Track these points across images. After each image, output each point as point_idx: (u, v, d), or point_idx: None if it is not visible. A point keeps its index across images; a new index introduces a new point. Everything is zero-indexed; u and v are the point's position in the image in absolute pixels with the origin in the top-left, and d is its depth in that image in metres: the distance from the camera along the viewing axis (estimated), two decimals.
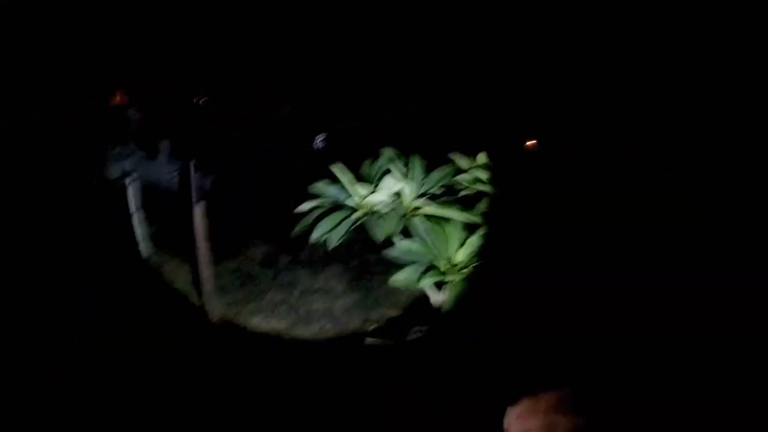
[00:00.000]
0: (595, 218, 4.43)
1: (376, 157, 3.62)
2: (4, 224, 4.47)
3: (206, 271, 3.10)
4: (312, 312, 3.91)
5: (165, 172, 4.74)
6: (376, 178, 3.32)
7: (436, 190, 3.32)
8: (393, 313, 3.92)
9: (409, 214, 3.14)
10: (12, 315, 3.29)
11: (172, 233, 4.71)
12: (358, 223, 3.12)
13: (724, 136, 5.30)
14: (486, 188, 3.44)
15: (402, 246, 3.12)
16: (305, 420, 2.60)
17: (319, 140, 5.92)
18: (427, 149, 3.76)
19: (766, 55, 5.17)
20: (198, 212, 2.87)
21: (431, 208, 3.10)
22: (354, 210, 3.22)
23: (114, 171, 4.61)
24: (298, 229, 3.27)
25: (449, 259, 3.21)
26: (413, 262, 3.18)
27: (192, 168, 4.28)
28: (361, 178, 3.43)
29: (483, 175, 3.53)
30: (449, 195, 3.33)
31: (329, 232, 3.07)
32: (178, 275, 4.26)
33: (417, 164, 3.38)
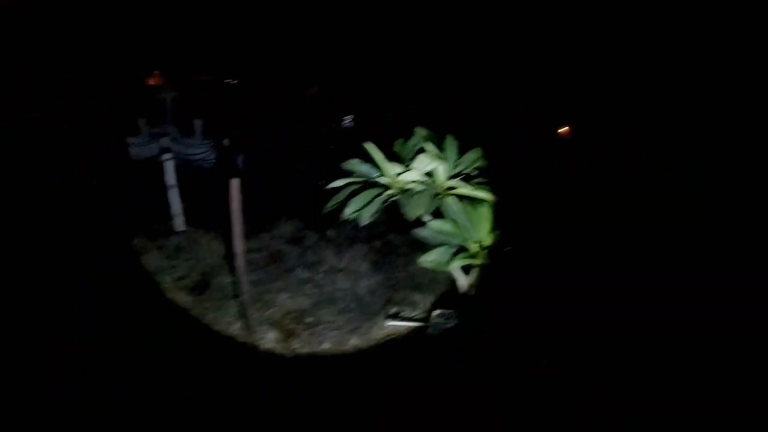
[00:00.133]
0: (596, 218, 4.40)
1: (405, 137, 3.61)
2: (4, 224, 4.47)
3: (240, 246, 3.19)
4: (336, 291, 3.97)
5: (198, 150, 4.88)
6: (409, 157, 3.29)
7: (470, 171, 3.27)
8: (416, 295, 3.93)
9: (442, 193, 3.11)
10: (12, 315, 3.26)
11: (204, 209, 4.87)
12: (390, 201, 3.12)
13: (724, 136, 5.24)
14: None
15: (434, 225, 3.10)
16: (305, 420, 2.58)
17: (347, 120, 5.94)
18: (458, 132, 3.72)
19: (766, 55, 5.08)
20: (234, 188, 2.94)
21: (465, 189, 3.06)
22: (386, 188, 3.21)
23: (151, 149, 4.76)
24: (330, 205, 3.29)
25: (480, 242, 3.18)
26: (443, 243, 3.16)
27: (225, 146, 4.40)
28: (391, 158, 3.42)
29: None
30: (483, 177, 3.28)
31: (361, 210, 3.08)
32: (211, 250, 4.39)
33: (451, 144, 3.33)
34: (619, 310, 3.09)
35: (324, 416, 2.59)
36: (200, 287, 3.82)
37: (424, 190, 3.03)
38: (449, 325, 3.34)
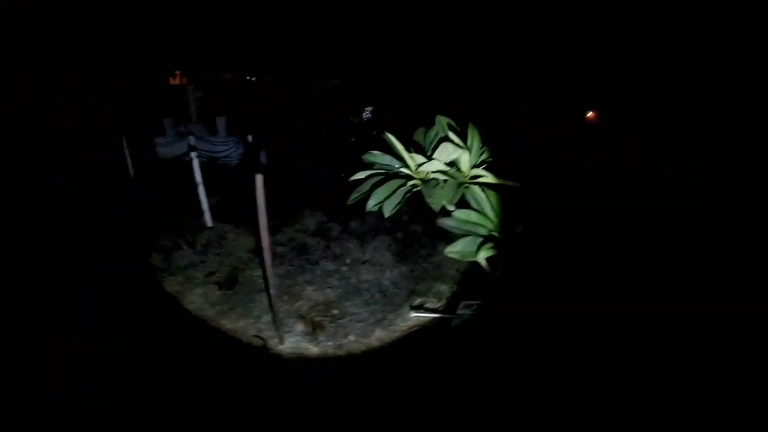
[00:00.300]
0: (597, 217, 4.26)
1: (425, 126, 3.52)
2: (4, 224, 4.50)
3: (266, 240, 3.24)
4: (361, 283, 3.98)
5: (223, 147, 4.99)
6: (431, 147, 3.21)
7: (491, 160, 3.16)
8: (440, 286, 3.89)
9: (467, 182, 3.02)
10: (12, 315, 3.25)
11: (231, 205, 4.99)
12: (414, 191, 3.06)
13: (724, 136, 5.16)
14: None
15: (459, 215, 3.02)
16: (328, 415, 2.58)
17: (367, 112, 5.89)
18: (477, 122, 3.61)
19: (765, 56, 4.94)
20: (259, 183, 2.97)
21: (491, 178, 2.95)
22: (408, 178, 3.16)
23: (178, 148, 4.91)
24: (353, 197, 3.28)
25: (507, 232, 3.08)
26: (469, 234, 3.09)
27: (249, 142, 4.46)
28: (411, 149, 3.35)
29: None
30: (503, 166, 3.17)
31: (384, 201, 3.05)
32: (238, 244, 4.51)
33: (475, 133, 3.22)
34: (620, 310, 3.03)
35: (346, 410, 2.60)
36: (230, 282, 3.94)
37: (448, 179, 2.95)
38: (475, 317, 3.28)
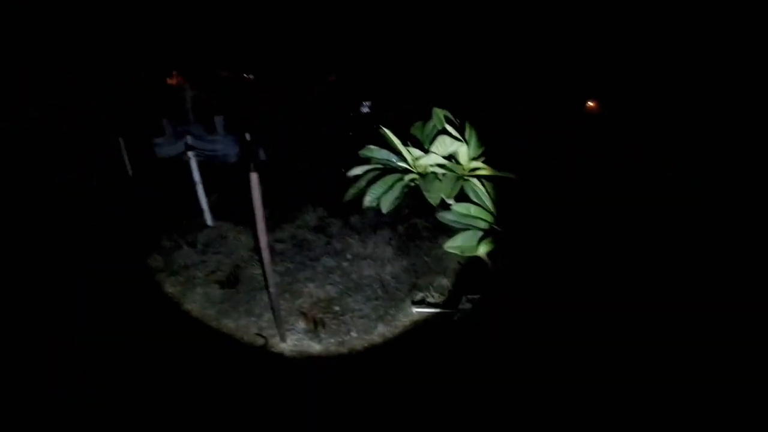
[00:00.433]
0: (598, 217, 4.26)
1: (422, 120, 3.46)
2: (4, 224, 4.51)
3: (264, 239, 3.22)
4: (362, 279, 3.97)
5: (221, 145, 4.96)
6: (429, 140, 3.16)
7: (492, 158, 3.10)
8: (442, 280, 3.86)
9: (466, 176, 2.97)
10: (12, 315, 3.25)
11: (230, 204, 4.98)
12: (412, 185, 3.02)
13: (724, 136, 5.18)
14: None
15: (459, 209, 2.98)
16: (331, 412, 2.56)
17: (365, 106, 5.83)
18: (476, 122, 3.57)
19: (765, 56, 5.01)
20: (254, 182, 2.94)
21: (490, 170, 2.90)
22: (406, 172, 3.11)
23: (176, 148, 4.87)
24: (351, 192, 3.24)
25: (507, 225, 3.04)
26: (469, 227, 3.05)
27: (247, 140, 4.43)
28: (408, 143, 3.30)
29: None
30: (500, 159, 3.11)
31: (382, 196, 3.01)
32: (239, 243, 4.51)
33: (471, 127, 3.16)
34: (620, 310, 3.02)
35: (349, 408, 2.59)
36: (231, 280, 3.94)
37: (447, 173, 2.90)
38: (477, 311, 3.26)
